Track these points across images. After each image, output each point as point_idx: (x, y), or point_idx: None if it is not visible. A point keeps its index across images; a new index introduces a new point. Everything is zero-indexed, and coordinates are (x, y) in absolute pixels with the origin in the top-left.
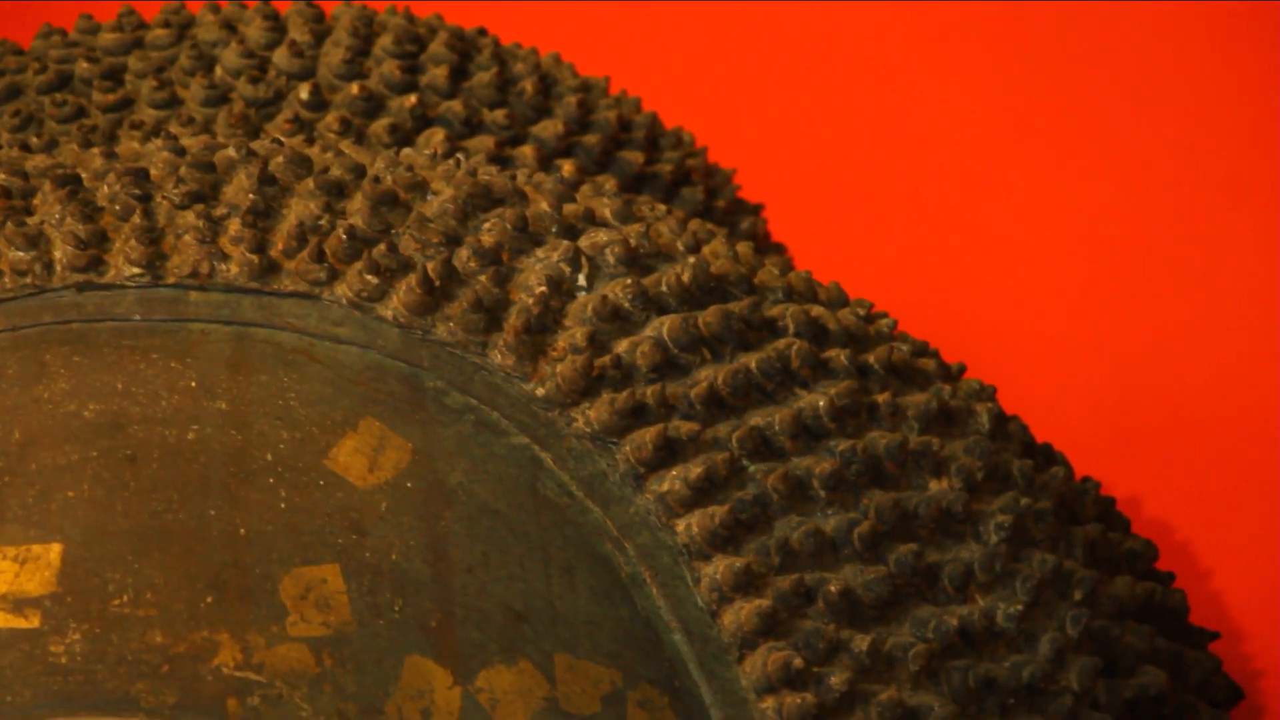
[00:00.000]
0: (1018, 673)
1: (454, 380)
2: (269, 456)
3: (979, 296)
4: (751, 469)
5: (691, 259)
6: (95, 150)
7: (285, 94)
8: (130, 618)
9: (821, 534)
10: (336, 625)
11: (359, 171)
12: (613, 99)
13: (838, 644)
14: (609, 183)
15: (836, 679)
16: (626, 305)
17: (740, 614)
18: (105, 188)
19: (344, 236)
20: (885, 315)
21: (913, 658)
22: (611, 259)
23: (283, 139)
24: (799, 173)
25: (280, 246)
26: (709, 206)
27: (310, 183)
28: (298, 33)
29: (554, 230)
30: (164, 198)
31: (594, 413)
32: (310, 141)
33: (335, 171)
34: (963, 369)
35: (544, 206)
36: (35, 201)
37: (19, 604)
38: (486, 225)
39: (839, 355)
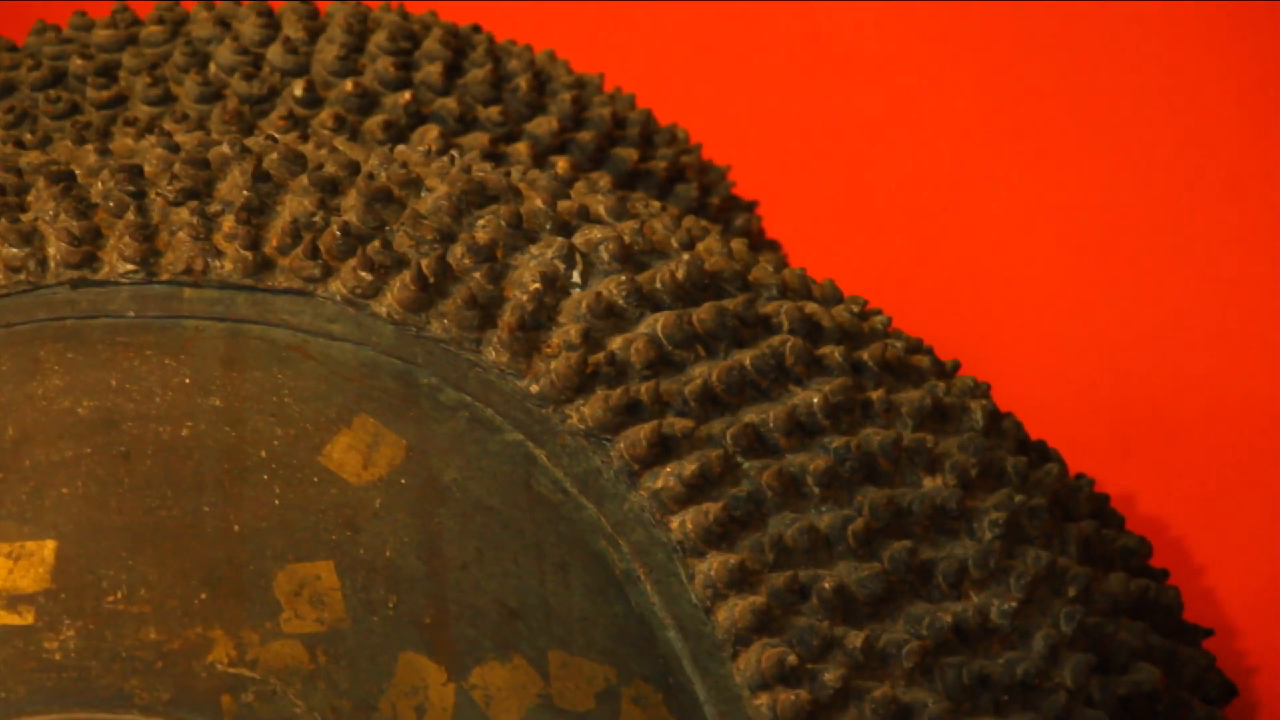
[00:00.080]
0: (1012, 669)
1: (448, 377)
2: (263, 453)
3: (973, 293)
4: (746, 466)
5: (686, 256)
6: (89, 147)
7: (279, 91)
8: (124, 614)
9: (816, 531)
10: (330, 622)
11: (353, 168)
12: (607, 96)
13: (832, 641)
14: (603, 179)
15: (831, 676)
16: (621, 302)
17: (734, 611)
18: (99, 184)
19: (338, 233)
20: (879, 312)
21: (907, 654)
22: (606, 256)
23: (277, 136)
24: (793, 170)
25: (274, 243)
26: (703, 203)
27: (304, 179)
28: (292, 29)
29: (548, 227)
30: (158, 194)
31: (588, 409)
32: (304, 138)
33: (329, 168)
34: (957, 366)
35: (538, 203)
36: (29, 198)
37: (13, 600)
38: (481, 222)
39: (833, 352)
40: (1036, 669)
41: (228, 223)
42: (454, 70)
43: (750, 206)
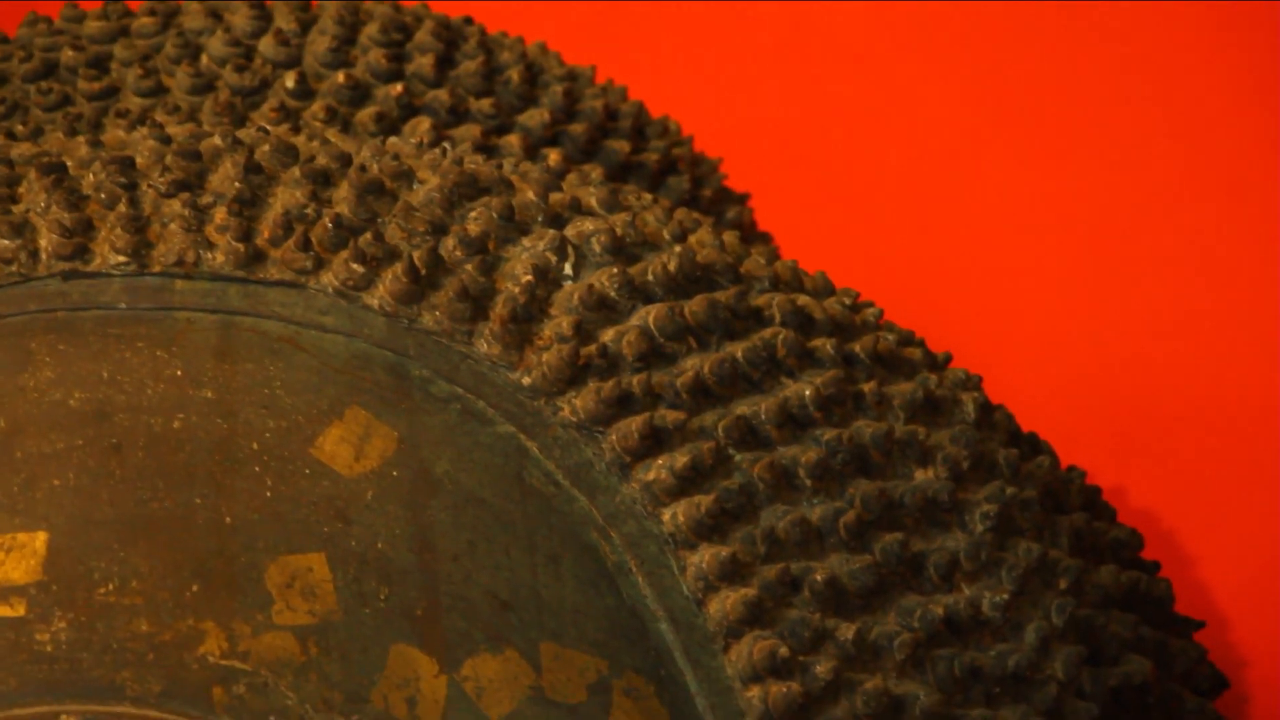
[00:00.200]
0: (1003, 661)
1: (440, 369)
2: (255, 445)
3: (965, 285)
4: (738, 458)
5: (678, 248)
6: (81, 138)
7: (271, 82)
8: (116, 606)
9: (807, 523)
10: (322, 614)
11: (345, 160)
12: (599, 88)
13: (823, 633)
14: (595, 172)
15: (822, 668)
16: (613, 294)
17: (726, 603)
18: (91, 176)
19: (330, 225)
20: (871, 304)
21: (898, 647)
22: (598, 248)
23: (269, 127)
24: (785, 162)
25: (266, 235)
26: (695, 195)
27: (296, 171)
28: (283, 21)
29: (540, 219)
30: (150, 186)
31: (580, 402)
32: (296, 130)
33: (321, 160)
34: (949, 358)
35: (530, 195)
36: (20, 190)
37: (4, 592)
38: (472, 214)
39: (825, 344)
40: (1028, 661)
41: (219, 214)
42: (446, 62)
43: (742, 199)
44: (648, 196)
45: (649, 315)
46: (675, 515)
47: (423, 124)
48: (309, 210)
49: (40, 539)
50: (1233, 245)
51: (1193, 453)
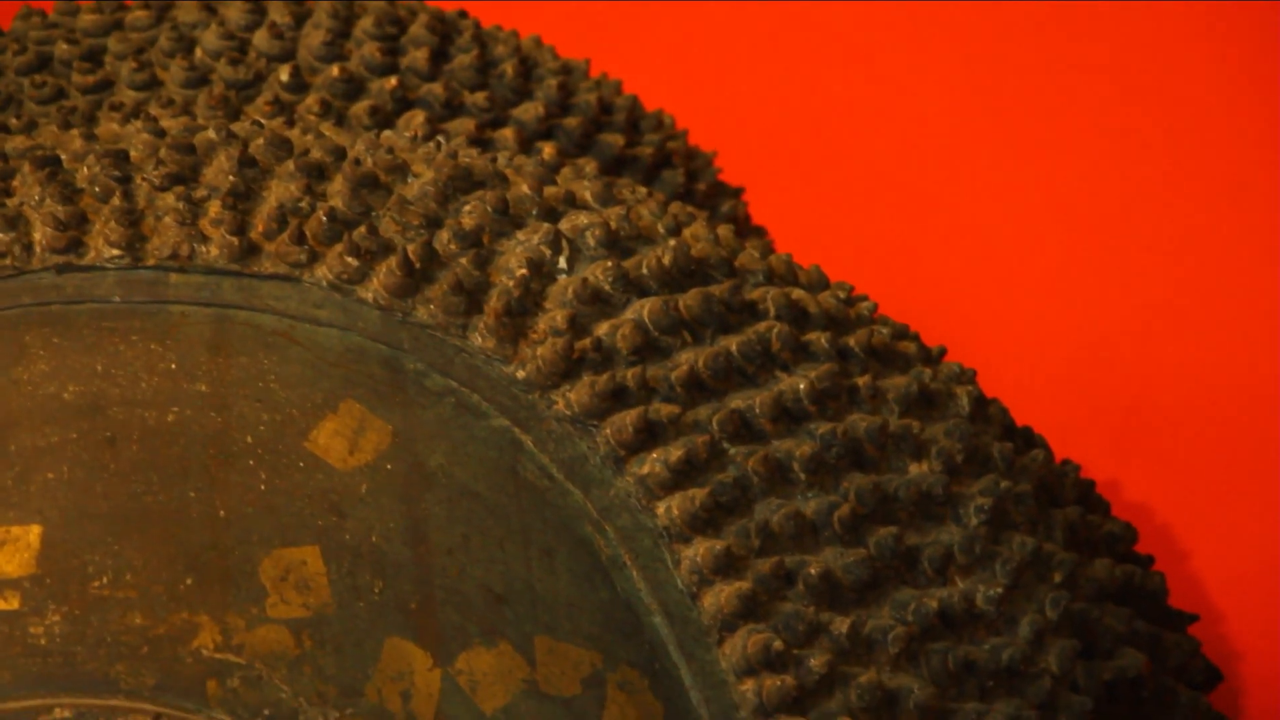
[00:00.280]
0: (997, 655)
1: (434, 363)
2: (249, 439)
3: (959, 279)
4: (732, 452)
5: (672, 242)
6: (75, 132)
7: (265, 76)
8: (110, 599)
9: (801, 516)
10: (316, 607)
11: (339, 154)
12: (593, 82)
13: (817, 626)
14: (589, 165)
15: (816, 661)
16: (607, 288)
17: (720, 596)
18: (85, 169)
19: (324, 219)
20: (866, 298)
21: (892, 640)
22: (592, 241)
23: (263, 121)
24: (780, 156)
25: (260, 229)
26: (689, 189)
27: (290, 165)
28: (278, 14)
29: (534, 213)
30: (144, 179)
31: (574, 395)
32: (290, 124)
33: (315, 154)
34: (943, 352)
35: (524, 189)
36: (14, 183)
37: None
38: (467, 208)
39: (819, 338)
40: (1022, 654)
41: (214, 208)
42: (440, 56)
43: (737, 192)
44: (642, 190)
45: (643, 309)
46: (669, 509)
47: (417, 117)
48: (303, 204)
49: (34, 532)
50: (1226, 239)
51: (1187, 447)
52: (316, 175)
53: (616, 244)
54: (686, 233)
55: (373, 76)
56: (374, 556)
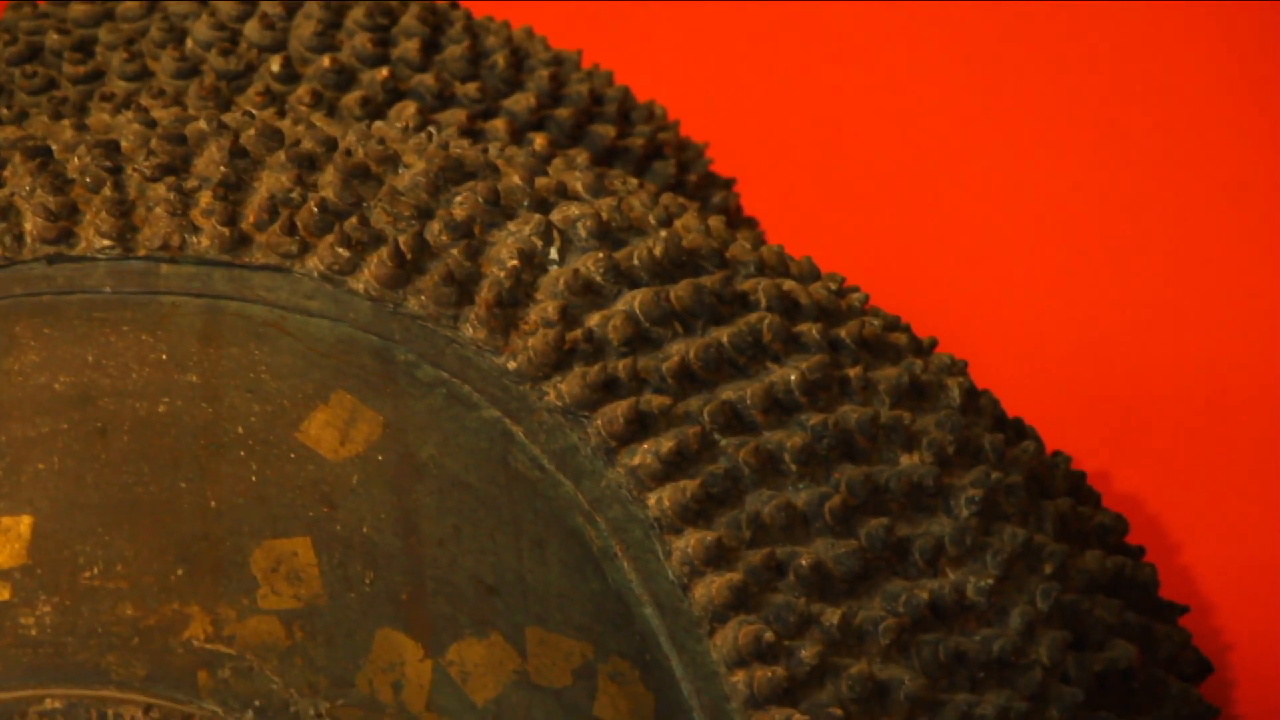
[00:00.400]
0: (988, 646)
1: (425, 353)
2: (240, 429)
3: (950, 270)
4: (723, 443)
5: (663, 233)
6: (66, 122)
7: (256, 66)
8: (101, 590)
9: (792, 508)
10: (307, 598)
11: (330, 144)
12: (585, 73)
13: (808, 618)
14: (581, 156)
15: (807, 652)
16: (598, 279)
17: (711, 588)
18: (76, 160)
19: (315, 209)
20: (857, 290)
21: (883, 631)
22: (583, 232)
23: (254, 112)
24: (771, 147)
25: (251, 219)
26: (681, 180)
27: (281, 155)
28: (269, 5)
29: (526, 204)
30: (135, 170)
31: (565, 386)
32: (281, 114)
33: (306, 144)
34: (934, 343)
35: (516, 180)
36: (5, 173)
37: None
38: (458, 199)
39: (810, 329)
40: (1013, 646)
41: (205, 199)
42: (432, 46)
43: (728, 184)
44: (633, 181)
45: (634, 300)
46: (660, 500)
47: (408, 108)
48: (294, 194)
49: (25, 523)
50: (1216, 230)
51: (1177, 438)
52: (308, 166)
53: (608, 235)
54: (678, 224)
55: (364, 67)
56: (365, 547)
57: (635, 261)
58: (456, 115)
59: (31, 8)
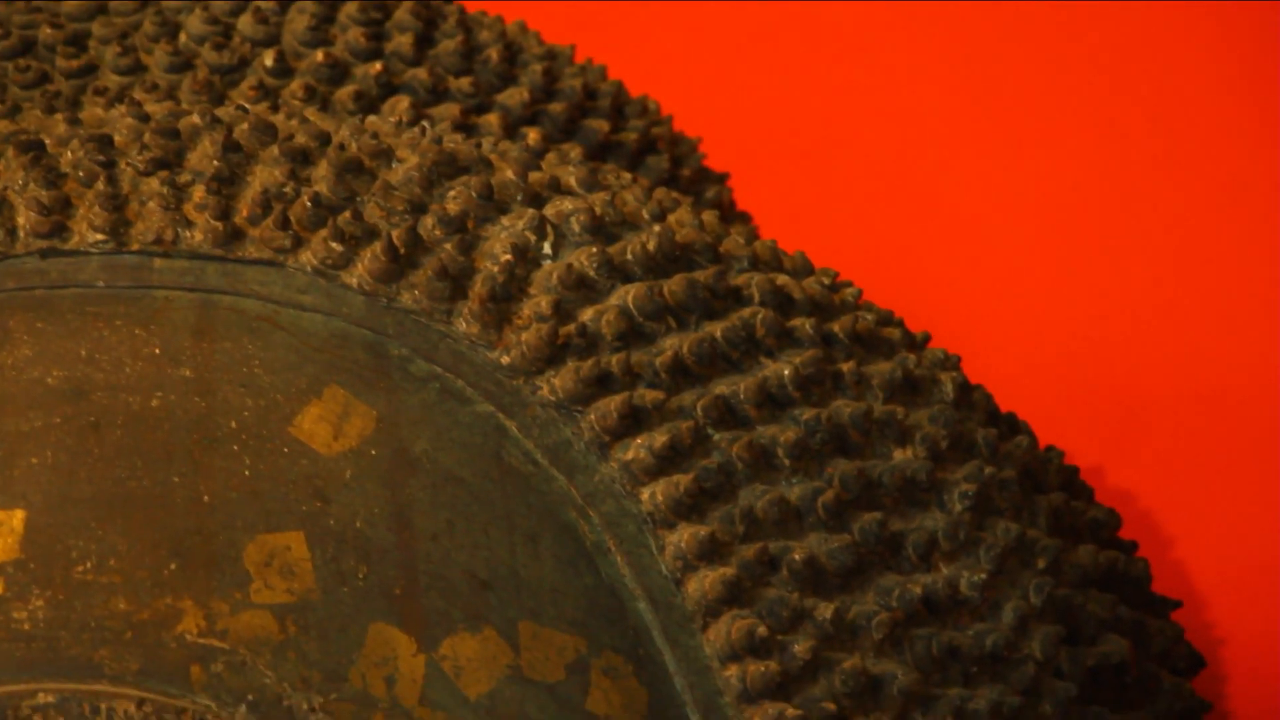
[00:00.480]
0: (981, 641)
1: (419, 348)
2: (233, 424)
3: (943, 265)
4: (716, 437)
5: (657, 227)
6: (59, 116)
7: (250, 61)
8: (94, 584)
9: (786, 502)
10: (300, 592)
11: (324, 139)
12: (578, 67)
13: (801, 612)
14: (574, 151)
15: (800, 647)
16: (592, 273)
17: (704, 582)
18: (69, 154)
19: (309, 204)
20: (850, 284)
21: (876, 626)
22: (577, 227)
23: (247, 106)
24: (764, 142)
25: (245, 213)
26: (674, 175)
27: (275, 150)
28: (262, 0)
29: (519, 198)
30: (128, 164)
31: (559, 381)
32: (275, 109)
33: (300, 139)
34: (927, 338)
35: (509, 174)
36: None
37: None
38: (451, 193)
39: (804, 324)
40: (1006, 640)
41: (198, 193)
42: (425, 41)
43: (721, 178)
44: (627, 176)
45: (628, 295)
46: (654, 494)
47: (402, 103)
48: (288, 189)
49: (18, 517)
50: (1210, 227)
51: (1170, 433)
52: (301, 160)
53: (601, 230)
54: (671, 219)
55: (357, 62)
56: (358, 542)
57: (629, 256)
58: (450, 110)
59: (25, 1)
